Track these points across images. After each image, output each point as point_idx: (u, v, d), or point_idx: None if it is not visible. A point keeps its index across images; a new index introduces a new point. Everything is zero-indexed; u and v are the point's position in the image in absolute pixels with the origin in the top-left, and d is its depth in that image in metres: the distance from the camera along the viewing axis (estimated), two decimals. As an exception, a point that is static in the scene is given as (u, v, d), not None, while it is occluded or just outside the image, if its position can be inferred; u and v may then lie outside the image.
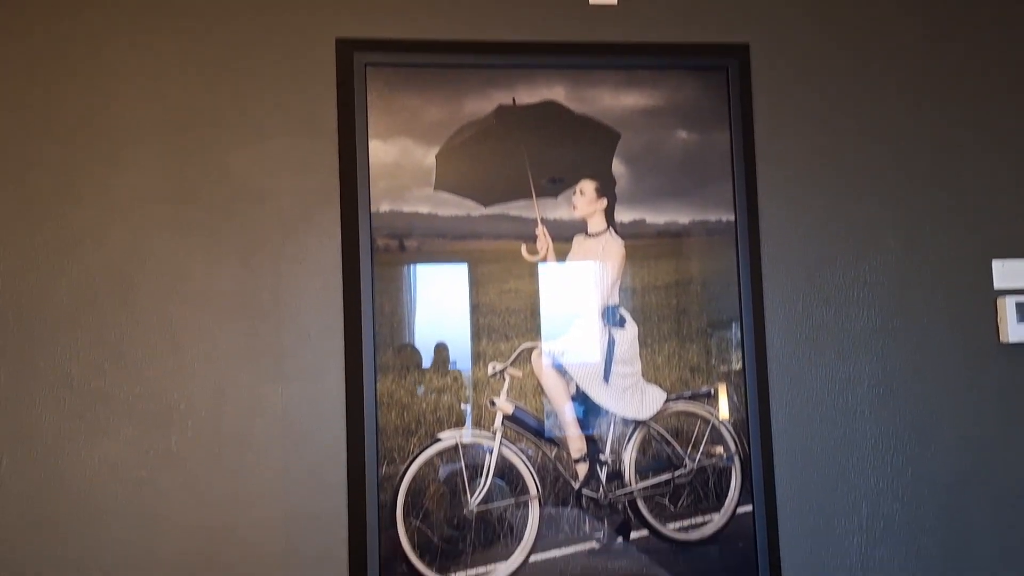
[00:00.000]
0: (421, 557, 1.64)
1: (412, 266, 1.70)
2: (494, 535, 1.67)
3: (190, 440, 1.58)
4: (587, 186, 1.78)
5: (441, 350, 1.69)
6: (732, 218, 1.80)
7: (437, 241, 1.72)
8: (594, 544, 1.70)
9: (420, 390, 1.67)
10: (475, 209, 1.73)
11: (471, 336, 1.70)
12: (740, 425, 1.76)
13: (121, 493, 1.54)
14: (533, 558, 1.68)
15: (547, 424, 1.71)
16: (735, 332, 1.78)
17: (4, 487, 1.51)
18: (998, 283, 1.83)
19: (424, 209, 1.72)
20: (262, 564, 1.57)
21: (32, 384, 1.55)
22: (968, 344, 1.83)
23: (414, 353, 1.68)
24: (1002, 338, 1.82)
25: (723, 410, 1.76)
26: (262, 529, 1.58)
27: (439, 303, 1.71)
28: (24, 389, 1.54)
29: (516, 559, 1.67)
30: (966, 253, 1.85)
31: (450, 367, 1.69)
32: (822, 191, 1.82)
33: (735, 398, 1.77)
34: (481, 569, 1.66)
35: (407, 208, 1.71)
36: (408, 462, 1.65)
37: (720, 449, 1.75)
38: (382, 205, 1.70)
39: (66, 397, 1.55)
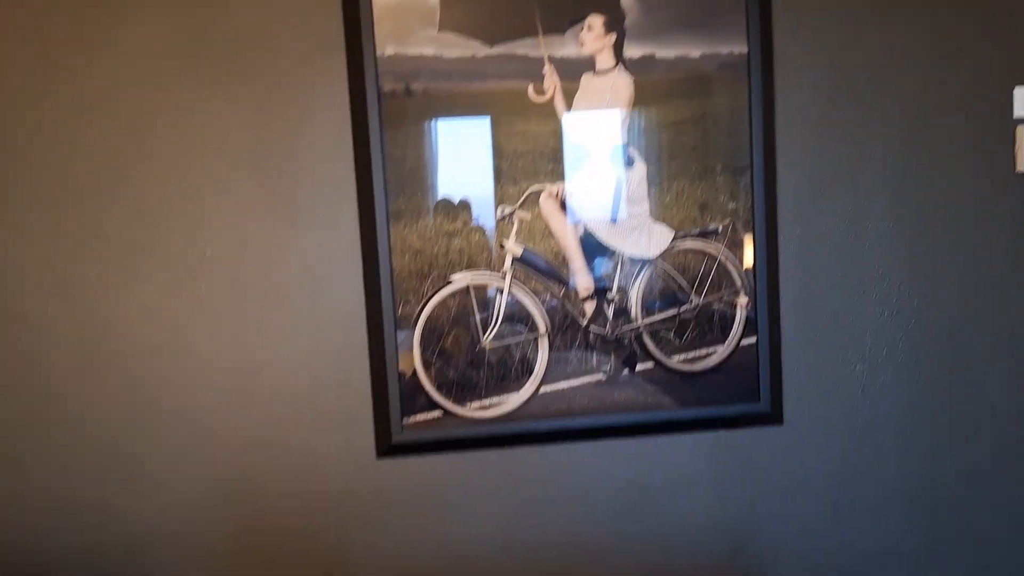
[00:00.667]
0: (439, 389, 1.77)
1: (419, 111, 1.72)
2: (506, 370, 1.78)
3: (217, 286, 1.69)
4: (595, 20, 1.74)
5: (450, 195, 1.74)
6: (745, 51, 1.76)
7: (443, 84, 1.72)
8: (601, 376, 1.81)
9: (431, 234, 1.73)
10: (480, 49, 1.72)
11: (479, 180, 1.74)
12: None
13: (159, 335, 1.67)
14: (543, 389, 1.80)
15: (555, 265, 1.77)
16: (745, 169, 1.79)
17: (53, 329, 1.65)
18: (1018, 111, 1.78)
19: (429, 51, 1.71)
20: (292, 395, 1.72)
21: (69, 237, 1.64)
22: (984, 174, 1.81)
23: (424, 198, 1.73)
24: (1019, 167, 1.80)
25: (731, 248, 1.80)
26: (290, 365, 1.71)
27: (447, 148, 1.73)
28: (62, 242, 1.64)
29: (527, 391, 1.79)
30: (988, 80, 1.79)
31: (460, 212, 1.74)
32: (841, 18, 1.76)
33: (743, 235, 1.80)
34: (495, 399, 1.79)
35: (412, 51, 1.71)
36: (422, 303, 1.75)
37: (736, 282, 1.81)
38: (387, 48, 1.70)
39: (101, 248, 1.65)
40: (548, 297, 1.78)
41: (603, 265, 1.79)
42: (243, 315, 1.69)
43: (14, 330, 1.63)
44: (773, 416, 1.83)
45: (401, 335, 1.74)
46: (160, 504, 1.69)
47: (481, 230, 1.75)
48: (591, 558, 1.82)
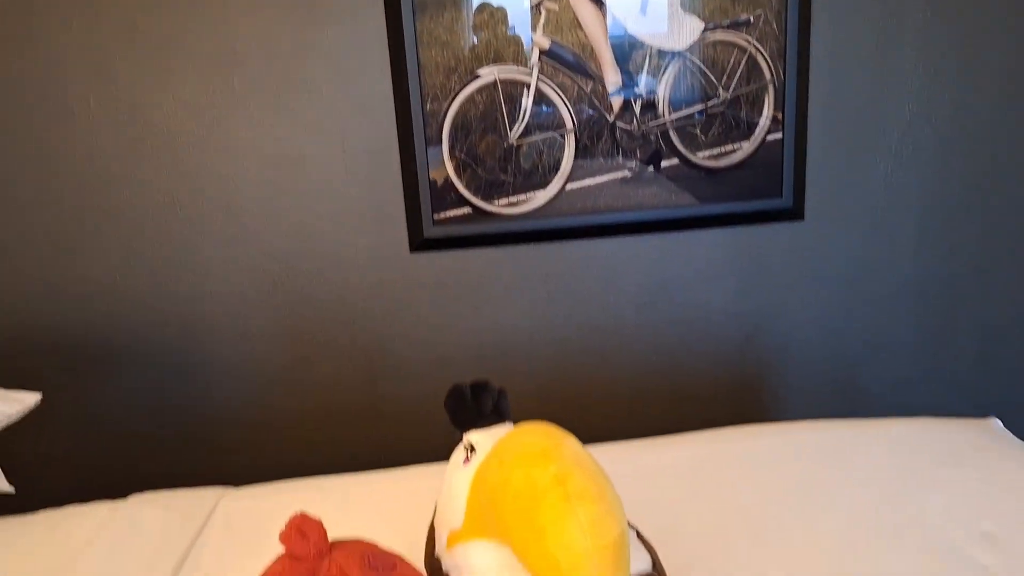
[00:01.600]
0: (467, 186, 1.84)
1: None
2: (533, 166, 1.84)
3: (249, 81, 1.73)
4: None
5: (476, -14, 1.73)
6: None
7: None
8: (626, 173, 1.86)
9: (458, 27, 1.74)
10: None
11: (506, -30, 1.73)
12: (777, 53, 1.81)
13: (198, 129, 1.73)
14: (569, 186, 1.86)
15: (583, 58, 1.79)
16: (780, -43, 1.75)
17: (99, 123, 1.71)
18: None
19: None
20: (328, 190, 1.79)
21: (104, 30, 1.67)
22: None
23: (450, -10, 1.73)
24: (1069, -48, 1.76)
25: (762, 40, 1.80)
26: (324, 159, 1.78)
27: (472, -65, 1.71)
28: (98, 36, 1.67)
29: (553, 187, 1.86)
30: None
31: (487, 3, 1.74)
32: None
33: (775, 25, 1.79)
34: (522, 196, 1.86)
35: None
36: (450, 99, 1.78)
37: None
38: None
39: (136, 42, 1.68)
40: (575, 92, 1.81)
41: (631, 59, 1.80)
42: (276, 110, 1.74)
43: (63, 125, 1.69)
44: (795, 212, 1.89)
45: (429, 132, 1.79)
46: (211, 289, 1.81)
47: (508, 22, 1.75)
48: (614, 347, 1.94)
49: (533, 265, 1.89)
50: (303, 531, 0.96)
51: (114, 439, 1.85)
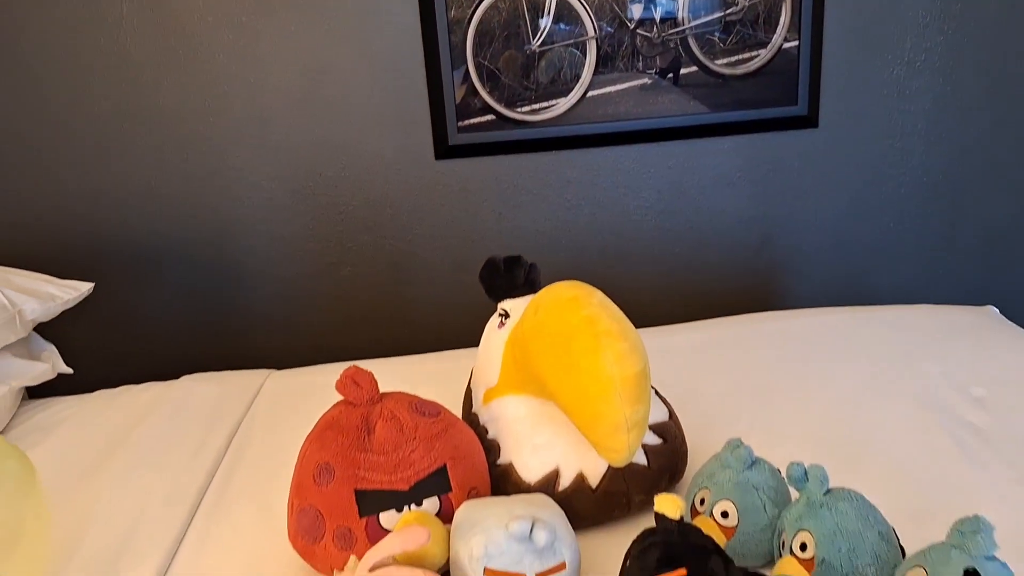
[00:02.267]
0: (491, 94, 1.92)
1: None
2: (555, 74, 1.92)
3: (277, -9, 1.80)
4: None
5: None
6: None
7: None
8: (646, 80, 1.94)
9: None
10: None
11: None
12: (795, -37, 1.87)
13: (228, 36, 1.81)
14: (590, 94, 1.94)
15: (605, -34, 1.85)
16: None
17: (130, 31, 1.79)
18: None
19: None
20: (354, 98, 1.88)
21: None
22: None
23: None
24: None
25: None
26: (350, 68, 1.86)
27: None
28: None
29: (575, 95, 1.94)
30: None
31: (510, -90, 1.80)
32: None
33: (793, -66, 1.85)
34: (544, 104, 1.94)
35: None
36: (474, 6, 1.85)
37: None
38: None
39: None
40: (597, 0, 1.87)
41: (652, -34, 1.86)
42: (305, 19, 1.82)
43: (98, 32, 1.78)
44: (809, 119, 1.97)
45: (454, 39, 1.87)
46: (241, 196, 1.91)
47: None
48: (633, 252, 2.05)
49: (554, 172, 1.98)
50: (356, 380, 1.08)
51: (158, 329, 1.97)
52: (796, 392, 1.32)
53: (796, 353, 1.44)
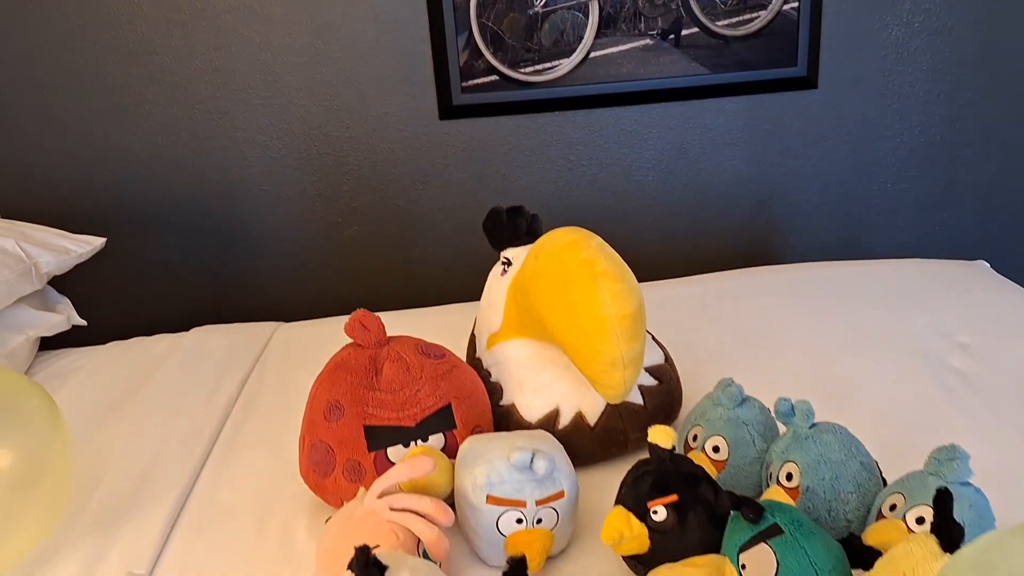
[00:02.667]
0: (494, 55, 1.95)
1: None
2: (558, 35, 1.95)
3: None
4: None
5: None
6: None
7: None
8: (647, 41, 1.97)
9: None
10: None
11: None
12: (796, -77, 1.89)
13: (233, -2, 1.85)
14: (592, 55, 1.97)
15: (607, -74, 1.87)
16: None
17: (135, -6, 1.84)
18: None
19: None
20: (360, 57, 1.92)
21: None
22: None
23: None
24: None
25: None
26: (357, 27, 1.89)
27: None
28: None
29: (577, 56, 1.97)
30: None
31: None
32: None
33: None
34: (547, 65, 1.97)
35: None
36: (478, -33, 1.88)
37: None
38: None
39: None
40: (599, -40, 1.90)
41: (653, -73, 1.88)
42: (310, -22, 1.85)
43: (103, -9, 1.82)
44: (809, 80, 2.00)
45: (457, 1, 1.90)
46: (248, 155, 1.95)
47: None
48: (634, 211, 2.09)
49: (557, 132, 2.02)
50: (364, 324, 1.13)
51: (168, 284, 2.02)
52: (787, 339, 1.38)
53: (789, 304, 1.50)
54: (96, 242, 1.66)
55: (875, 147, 2.07)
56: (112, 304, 2.02)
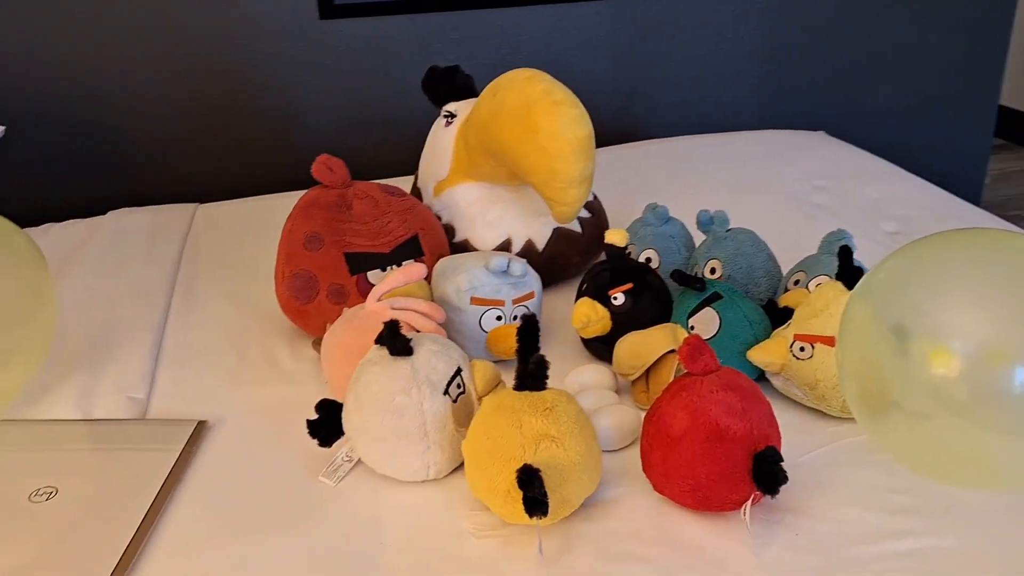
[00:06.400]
0: (376, -47, 2.07)
1: None
2: (439, -67, 2.10)
3: None
4: None
5: None
6: None
7: None
8: (522, -57, 2.16)
9: None
10: None
11: None
12: None
13: None
14: (471, -44, 2.14)
15: None
16: None
17: None
18: None
19: None
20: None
21: None
22: None
23: None
24: None
25: None
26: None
27: None
28: None
29: (457, -44, 2.13)
30: None
31: None
32: None
33: None
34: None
35: None
36: None
37: None
38: None
39: None
40: None
41: None
42: None
43: None
44: (663, -16, 2.29)
45: (340, -102, 2.00)
46: (123, 57, 1.95)
47: None
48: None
49: (439, 33, 2.17)
50: (330, 166, 1.26)
51: (64, 178, 1.99)
52: (682, 192, 1.63)
53: (673, 167, 1.78)
54: (-10, 127, 1.64)
55: (718, 47, 2.38)
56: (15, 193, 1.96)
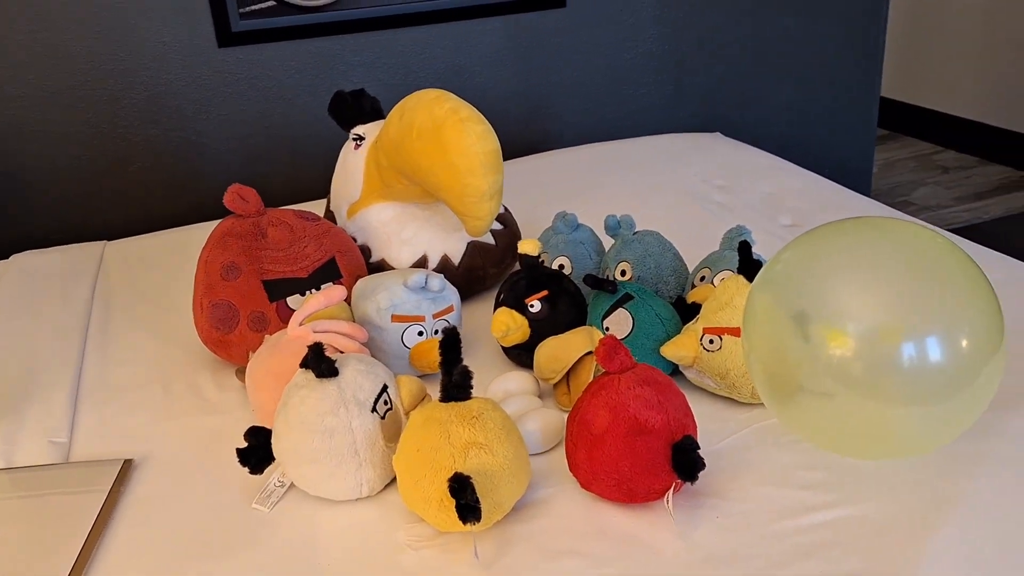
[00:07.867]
0: (272, -20, 2.07)
1: None
2: (334, -43, 2.11)
3: None
4: None
5: None
6: None
7: None
8: (418, -36, 2.19)
9: None
10: None
11: None
12: None
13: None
14: (368, -22, 2.16)
15: None
16: None
17: None
18: None
19: None
20: (134, -15, 1.95)
21: None
22: None
23: None
24: None
25: None
26: (127, -46, 1.92)
27: None
28: None
29: (354, -21, 2.15)
30: None
31: None
32: None
33: None
34: (325, -11, 2.13)
35: None
36: None
37: None
38: None
39: None
40: None
41: None
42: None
43: None
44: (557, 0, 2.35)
45: (232, -75, 1.99)
46: (19, 93, 1.91)
47: None
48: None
49: (339, 57, 2.18)
50: (242, 196, 1.26)
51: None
52: (589, 198, 1.69)
53: (579, 175, 1.84)
54: None
55: (620, 57, 2.45)
56: None
